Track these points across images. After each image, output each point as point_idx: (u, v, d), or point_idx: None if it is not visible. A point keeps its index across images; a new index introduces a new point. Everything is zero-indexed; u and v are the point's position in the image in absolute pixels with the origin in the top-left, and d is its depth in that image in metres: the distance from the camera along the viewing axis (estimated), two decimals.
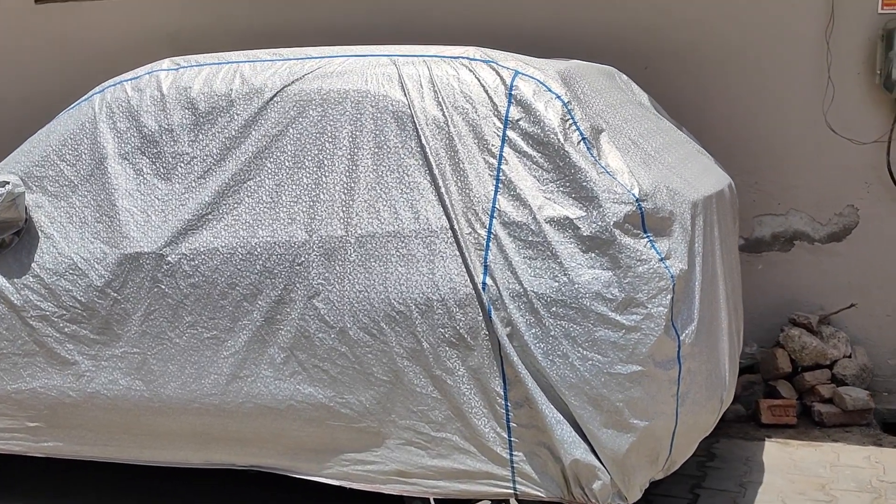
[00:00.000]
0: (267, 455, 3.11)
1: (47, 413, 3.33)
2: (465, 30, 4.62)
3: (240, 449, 3.14)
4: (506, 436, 2.76)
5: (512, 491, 2.79)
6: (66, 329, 3.23)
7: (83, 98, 3.43)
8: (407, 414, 2.87)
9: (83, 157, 3.31)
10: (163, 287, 3.10)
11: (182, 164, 3.17)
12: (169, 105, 3.22)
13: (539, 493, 2.76)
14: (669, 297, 2.65)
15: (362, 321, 2.86)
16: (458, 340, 2.77)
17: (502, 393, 2.74)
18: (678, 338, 2.70)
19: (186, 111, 3.20)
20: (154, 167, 3.21)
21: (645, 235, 2.69)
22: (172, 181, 3.17)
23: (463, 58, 2.98)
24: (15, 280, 3.30)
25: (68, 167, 3.33)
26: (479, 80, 2.90)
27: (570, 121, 2.79)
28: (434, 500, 2.96)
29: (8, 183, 3.24)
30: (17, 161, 3.43)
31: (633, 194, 2.68)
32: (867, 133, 4.34)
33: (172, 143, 3.19)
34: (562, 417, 2.68)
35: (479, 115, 2.86)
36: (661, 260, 2.67)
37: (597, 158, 2.75)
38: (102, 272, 3.17)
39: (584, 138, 2.77)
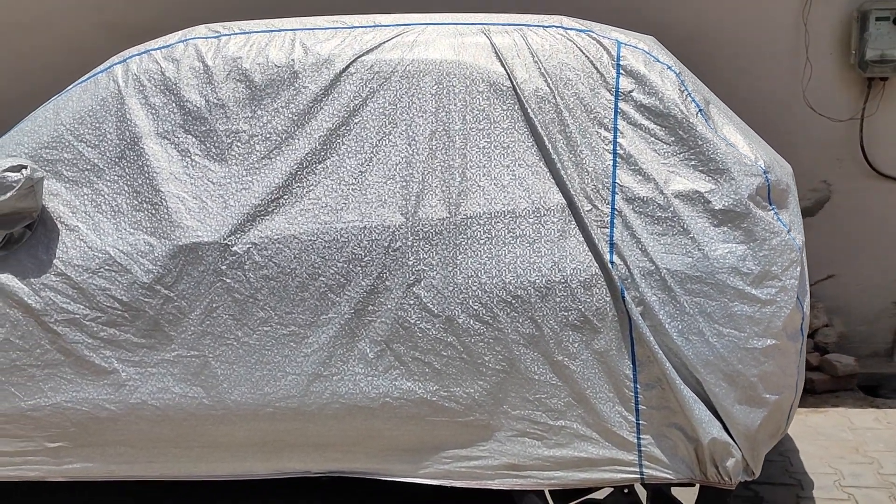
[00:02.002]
0: (353, 459, 2.85)
1: (75, 431, 2.89)
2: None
3: (319, 455, 2.86)
4: (633, 419, 2.67)
5: (638, 475, 2.70)
6: (101, 333, 2.82)
7: (97, 70, 3.00)
8: (521, 404, 2.71)
9: (109, 136, 2.89)
10: (227, 281, 2.76)
11: (239, 144, 2.83)
12: (216, 77, 2.87)
13: (668, 476, 2.69)
14: (798, 269, 2.64)
15: (472, 308, 2.67)
16: (583, 323, 2.64)
17: (631, 375, 2.64)
18: (802, 309, 2.70)
19: (239, 84, 2.85)
20: (203, 147, 2.84)
21: (771, 208, 2.66)
22: (229, 162, 2.83)
23: (558, 27, 2.84)
24: (32, 280, 2.84)
25: (90, 149, 2.89)
26: (581, 51, 2.77)
27: (686, 92, 2.72)
28: (548, 492, 2.82)
29: (25, 167, 2.77)
30: (19, 142, 2.95)
31: (761, 166, 2.66)
32: (842, 111, 4.56)
33: (225, 120, 2.85)
34: (696, 396, 2.62)
35: (586, 87, 2.73)
36: (788, 232, 2.65)
37: (715, 130, 2.70)
38: (150, 267, 2.78)
39: (700, 110, 2.71)
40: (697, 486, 2.74)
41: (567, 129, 2.69)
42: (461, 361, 2.70)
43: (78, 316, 2.82)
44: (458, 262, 2.68)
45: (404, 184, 2.73)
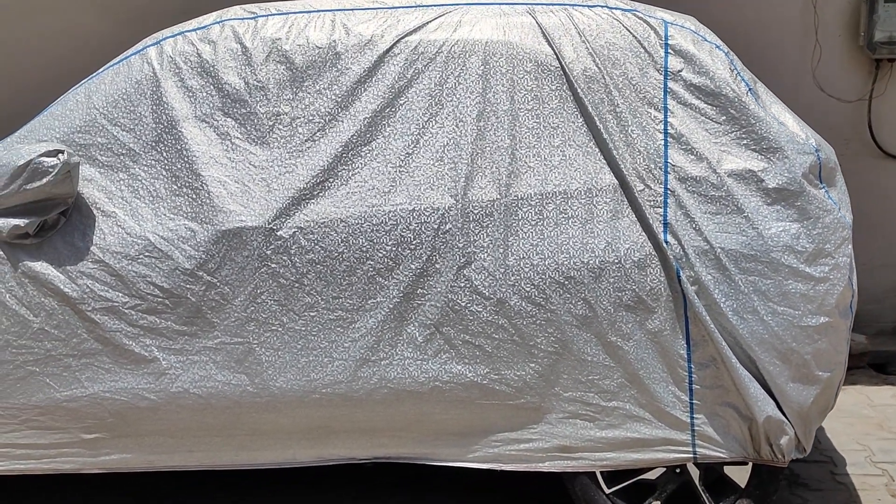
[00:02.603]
0: (400, 444, 2.82)
1: (113, 421, 2.83)
2: None
3: (366, 440, 2.82)
4: (687, 399, 2.67)
5: (691, 455, 2.70)
6: (141, 321, 2.75)
7: (129, 52, 2.92)
8: (573, 385, 2.70)
9: (144, 120, 2.81)
10: (273, 266, 2.71)
11: (281, 126, 2.77)
12: (255, 59, 2.80)
13: (721, 455, 2.69)
14: (849, 246, 2.66)
15: (524, 290, 2.65)
16: (637, 303, 2.63)
17: (685, 355, 2.64)
18: (852, 286, 2.71)
19: (280, 66, 2.79)
20: (244, 130, 2.78)
21: (822, 186, 2.67)
22: (271, 145, 2.77)
23: (603, 6, 2.81)
24: (68, 268, 2.76)
25: (125, 133, 2.82)
26: (628, 30, 2.75)
27: (735, 71, 2.71)
28: (600, 473, 2.81)
29: (61, 152, 2.69)
30: (49, 127, 2.86)
31: (812, 144, 2.66)
32: (850, 92, 4.60)
33: (266, 103, 2.78)
34: (750, 375, 2.62)
35: (635, 67, 2.71)
36: (839, 209, 2.67)
37: (766, 109, 2.70)
38: (192, 252, 2.72)
39: (749, 89, 2.71)
40: (750, 464, 2.75)
41: (617, 109, 2.68)
42: (512, 344, 2.68)
43: (117, 304, 2.75)
44: (510, 243, 2.66)
45: (453, 165, 2.69)
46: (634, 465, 2.74)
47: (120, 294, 2.74)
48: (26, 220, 2.72)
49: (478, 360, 2.70)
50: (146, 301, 2.74)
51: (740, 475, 2.82)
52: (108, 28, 4.59)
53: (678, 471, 2.83)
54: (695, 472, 2.82)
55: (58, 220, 2.78)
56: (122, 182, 2.80)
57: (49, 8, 4.70)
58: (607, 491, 2.81)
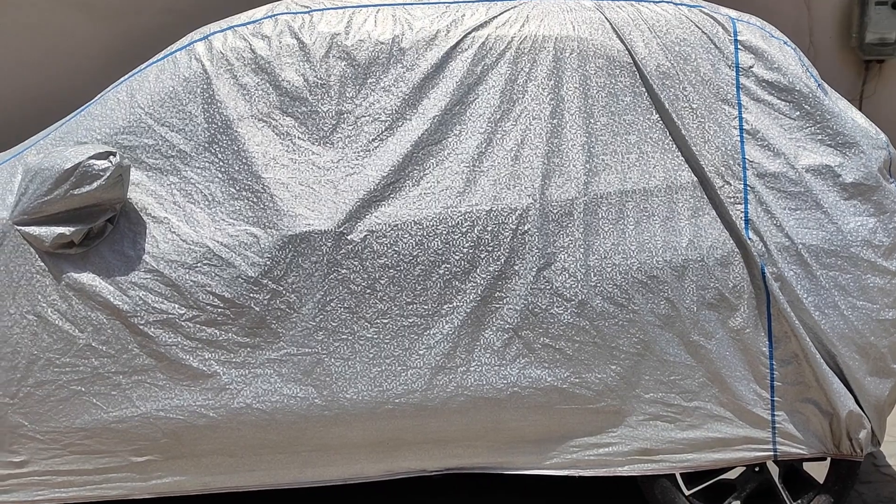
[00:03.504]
0: (475, 454, 2.72)
1: (167, 442, 2.65)
2: None
3: (438, 451, 2.71)
4: (768, 396, 2.65)
5: (772, 453, 2.68)
6: (200, 334, 2.58)
7: (173, 48, 2.75)
8: (655, 386, 2.65)
9: (196, 120, 2.65)
10: (343, 271, 2.58)
11: (345, 125, 2.65)
12: (314, 55, 2.67)
13: (801, 451, 2.69)
14: None
15: (606, 290, 2.59)
16: (719, 301, 2.61)
17: (767, 352, 2.62)
18: None
19: (340, 62, 2.67)
20: (305, 129, 2.65)
21: (892, 180, 2.70)
22: (335, 145, 2.64)
23: (669, 2, 2.78)
24: (118, 279, 2.57)
25: (175, 133, 2.64)
26: (696, 26, 2.72)
27: (805, 66, 2.72)
28: (679, 475, 2.77)
29: (113, 154, 2.51)
30: (89, 128, 2.66)
31: (884, 139, 2.69)
32: (842, 92, 4.65)
33: (327, 101, 2.65)
34: (831, 370, 2.63)
35: (706, 63, 2.69)
36: None
37: (836, 104, 2.72)
38: (255, 259, 2.57)
39: (818, 84, 2.72)
40: (828, 460, 2.75)
41: (693, 105, 2.65)
42: (594, 346, 2.62)
43: (173, 316, 2.57)
44: (590, 243, 2.60)
45: (529, 164, 2.62)
46: (715, 466, 2.71)
47: (176, 305, 2.57)
48: (72, 228, 2.52)
49: (558, 363, 2.62)
50: (205, 312, 2.58)
51: (817, 471, 2.82)
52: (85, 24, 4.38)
53: (757, 469, 2.82)
54: (774, 470, 2.81)
55: (104, 227, 2.59)
56: (172, 186, 2.63)
57: (21, 3, 4.45)
58: (687, 493, 2.77)
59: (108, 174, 2.47)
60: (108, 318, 2.57)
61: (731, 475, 2.81)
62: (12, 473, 2.66)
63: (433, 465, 2.74)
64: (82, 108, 2.73)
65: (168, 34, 4.59)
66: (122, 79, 2.75)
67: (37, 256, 2.57)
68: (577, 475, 2.72)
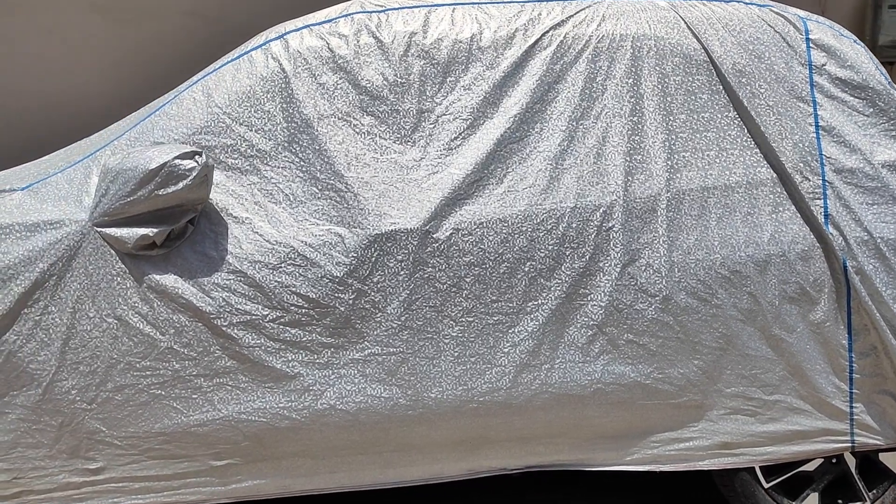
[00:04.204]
0: (556, 451, 2.72)
1: (248, 445, 2.61)
2: None
3: (520, 449, 2.71)
4: (846, 388, 2.69)
5: (849, 444, 2.72)
6: (284, 335, 2.55)
7: (248, 47, 2.72)
8: (736, 381, 2.68)
9: (275, 119, 2.62)
10: (429, 269, 2.57)
11: (427, 124, 2.64)
12: (393, 54, 2.66)
13: (878, 442, 2.73)
14: None
15: (690, 285, 2.61)
16: (801, 295, 2.64)
17: (847, 344, 2.67)
18: None
19: (420, 60, 2.66)
20: (387, 128, 2.63)
21: None
22: (417, 144, 2.63)
23: (738, 1, 2.82)
24: (201, 280, 2.53)
25: (254, 133, 2.62)
26: (768, 25, 2.76)
27: (875, 64, 2.77)
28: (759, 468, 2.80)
29: (199, 153, 2.47)
30: (165, 128, 2.62)
31: None
32: None
33: (408, 99, 2.64)
34: None
35: (780, 61, 2.73)
36: None
37: None
38: (341, 259, 2.54)
39: (888, 81, 2.77)
40: None
41: (769, 103, 2.68)
42: (677, 341, 2.64)
43: (256, 317, 2.54)
44: (673, 238, 2.62)
45: (611, 161, 2.63)
46: (794, 458, 2.74)
47: (260, 306, 2.54)
48: (155, 230, 2.48)
49: (641, 359, 2.64)
50: (289, 313, 2.55)
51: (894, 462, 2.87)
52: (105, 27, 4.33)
53: (834, 461, 2.86)
54: (850, 462, 2.85)
55: (185, 228, 2.55)
56: (253, 185, 2.60)
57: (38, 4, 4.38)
58: (766, 486, 2.80)
59: (194, 174, 2.44)
60: (190, 320, 2.53)
61: (809, 467, 2.85)
62: (88, 481, 2.60)
63: (514, 464, 2.74)
64: (156, 107, 2.69)
65: (189, 38, 4.58)
66: (194, 78, 2.72)
67: (117, 258, 2.52)
68: (657, 470, 2.74)
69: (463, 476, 2.74)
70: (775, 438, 2.72)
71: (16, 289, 2.48)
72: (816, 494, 2.83)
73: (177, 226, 2.51)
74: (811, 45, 2.75)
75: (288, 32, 2.71)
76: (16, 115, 4.45)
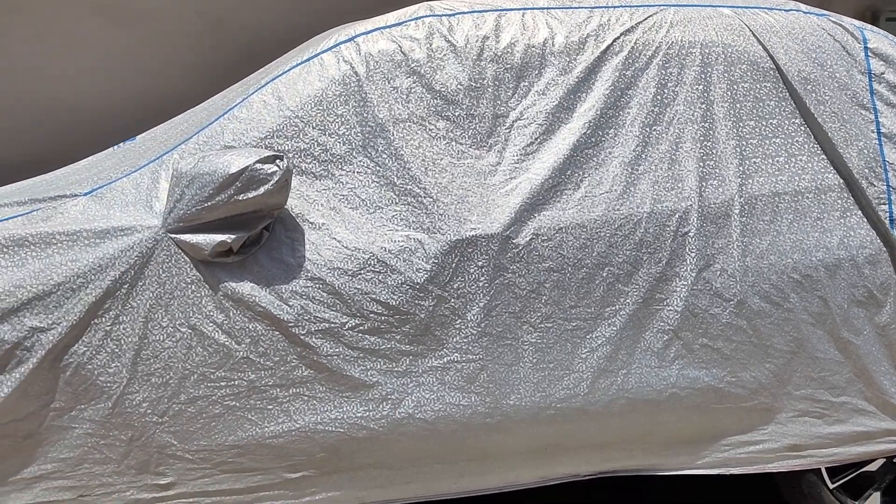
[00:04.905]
0: (630, 456, 2.72)
1: (324, 456, 2.55)
2: None
3: (594, 455, 2.70)
4: None
5: None
6: (362, 343, 2.50)
7: (319, 50, 2.66)
8: (805, 383, 2.72)
9: (349, 122, 2.57)
10: (509, 275, 2.55)
11: (502, 128, 2.62)
12: (467, 58, 2.63)
13: None
14: None
15: (763, 290, 2.64)
16: (868, 298, 2.69)
17: None
18: None
19: (493, 65, 2.64)
20: (462, 133, 2.60)
21: None
22: (493, 148, 2.61)
23: (797, 10, 2.87)
24: (278, 287, 2.46)
25: (328, 137, 2.56)
26: (828, 33, 2.82)
27: None
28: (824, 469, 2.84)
29: (281, 158, 2.41)
30: (236, 132, 2.55)
31: None
32: None
33: (483, 104, 2.62)
34: None
35: (842, 69, 2.78)
36: None
37: None
38: (421, 265, 2.51)
39: None
40: None
41: (834, 110, 2.74)
42: (750, 345, 2.66)
43: (335, 325, 2.48)
44: (746, 243, 2.64)
45: (684, 167, 2.65)
46: (859, 459, 2.80)
47: (339, 314, 2.48)
48: (232, 236, 2.41)
49: (715, 363, 2.66)
50: (368, 320, 2.50)
51: None
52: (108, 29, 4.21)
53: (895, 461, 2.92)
54: None
55: (261, 234, 2.48)
56: (328, 191, 2.55)
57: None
58: (831, 486, 2.84)
59: (275, 178, 2.37)
60: (266, 329, 2.46)
61: (871, 467, 2.90)
62: (157, 497, 2.51)
63: (587, 470, 2.73)
64: (224, 111, 2.61)
65: (197, 39, 4.47)
66: (263, 81, 2.65)
67: (191, 266, 2.44)
68: (727, 474, 2.76)
69: (537, 484, 2.72)
70: (841, 440, 2.76)
71: (86, 298, 2.38)
72: (878, 494, 2.88)
73: (253, 232, 2.44)
74: (869, 53, 2.82)
75: (358, 35, 2.66)
76: (17, 117, 4.29)
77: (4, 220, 2.48)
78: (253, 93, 2.62)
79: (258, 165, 2.36)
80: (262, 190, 2.37)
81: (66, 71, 4.31)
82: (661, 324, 2.62)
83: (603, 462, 2.72)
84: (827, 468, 2.86)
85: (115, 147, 3.11)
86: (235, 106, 2.61)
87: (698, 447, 2.74)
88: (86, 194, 2.53)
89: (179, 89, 4.35)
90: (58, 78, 4.31)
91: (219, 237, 2.40)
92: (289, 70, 2.64)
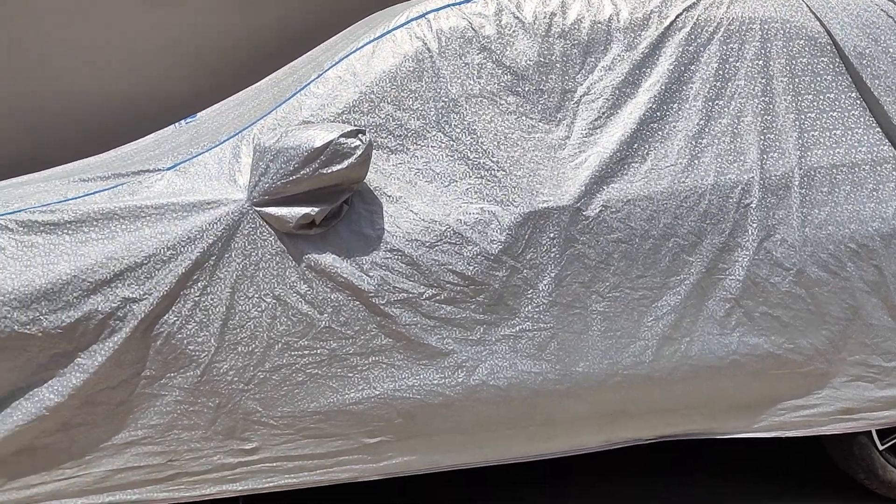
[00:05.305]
0: (690, 421, 2.82)
1: (401, 422, 2.64)
2: None
3: (657, 420, 2.80)
4: None
5: None
6: (438, 312, 2.59)
7: (390, 28, 2.72)
8: (859, 349, 2.82)
9: (423, 98, 2.64)
10: (579, 246, 2.63)
11: (571, 103, 2.70)
12: (536, 34, 2.70)
13: None
14: None
15: (821, 259, 2.74)
16: None
17: None
18: None
19: (562, 41, 2.71)
20: (533, 108, 2.68)
21: None
22: (562, 123, 2.69)
23: None
24: (359, 258, 2.54)
25: (403, 112, 2.63)
26: (881, 10, 2.90)
27: None
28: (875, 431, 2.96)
29: (363, 132, 2.48)
30: (312, 107, 2.62)
31: None
32: None
33: (552, 79, 2.70)
34: None
35: (894, 44, 2.87)
36: None
37: None
38: (496, 236, 2.59)
39: None
40: None
41: (889, 84, 2.82)
42: (808, 313, 2.76)
43: (413, 295, 2.57)
44: (805, 214, 2.74)
45: (745, 140, 2.73)
46: None
47: (416, 284, 2.56)
48: (316, 209, 2.48)
49: (774, 330, 2.76)
50: (445, 290, 2.58)
51: None
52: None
53: None
54: None
55: (341, 207, 2.55)
56: (403, 164, 2.62)
57: None
58: (881, 447, 2.96)
59: (359, 152, 2.44)
60: (348, 299, 2.54)
61: None
62: (242, 461, 2.59)
63: (649, 434, 2.83)
64: (301, 86, 2.68)
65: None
66: (337, 57, 2.71)
67: (275, 238, 2.51)
68: (783, 436, 2.87)
69: (600, 448, 2.82)
70: (891, 403, 2.87)
71: (175, 269, 2.46)
72: None
73: (334, 205, 2.52)
74: None
75: (429, 11, 2.72)
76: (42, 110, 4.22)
77: (91, 193, 2.54)
78: (328, 68, 2.68)
79: (342, 140, 2.43)
80: (345, 164, 2.44)
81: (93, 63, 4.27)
82: (724, 293, 2.72)
83: (664, 427, 2.82)
84: (877, 430, 2.96)
85: (177, 124, 3.17)
86: (311, 82, 2.67)
87: (755, 412, 2.84)
88: (168, 169, 2.59)
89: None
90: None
91: (303, 210, 2.47)
92: (362, 46, 2.70)
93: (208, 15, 4.21)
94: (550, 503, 3.30)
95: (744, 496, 3.27)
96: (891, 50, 2.85)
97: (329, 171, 2.44)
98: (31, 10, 4.10)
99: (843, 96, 2.81)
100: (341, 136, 2.43)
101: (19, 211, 2.49)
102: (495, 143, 2.64)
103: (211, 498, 2.61)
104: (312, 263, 2.52)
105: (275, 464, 2.61)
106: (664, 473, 3.48)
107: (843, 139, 2.79)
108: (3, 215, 2.48)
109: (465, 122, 2.64)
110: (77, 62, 4.14)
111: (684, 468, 3.50)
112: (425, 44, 2.67)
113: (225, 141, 2.63)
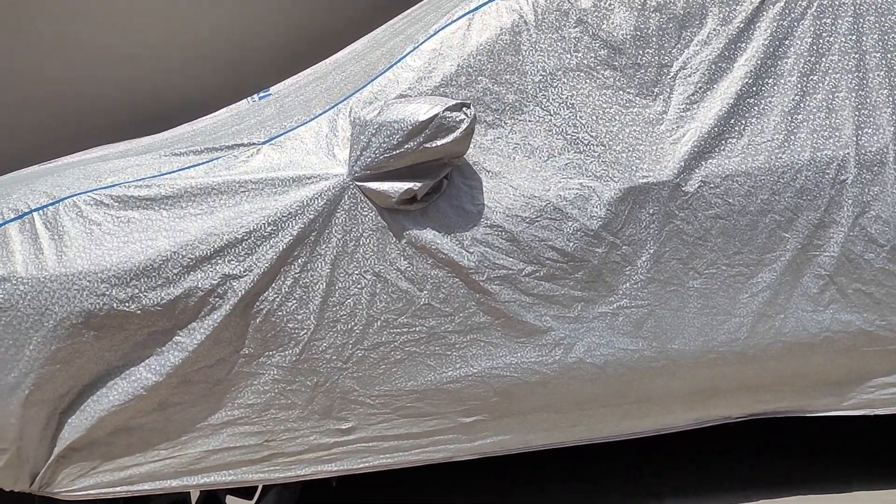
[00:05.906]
0: (780, 398, 2.81)
1: (497, 401, 2.60)
2: None
3: (747, 397, 2.78)
4: None
5: None
6: (537, 289, 2.55)
7: (484, 0, 2.66)
8: None
9: (520, 71, 2.60)
10: (677, 223, 2.60)
11: (667, 78, 2.66)
12: (633, 8, 2.66)
13: None
14: None
15: None
16: None
17: None
18: None
19: (658, 14, 2.67)
20: (630, 82, 2.64)
21: None
22: (659, 97, 2.65)
23: None
24: (459, 234, 2.50)
25: (499, 86, 2.59)
26: None
27: None
28: None
29: (468, 106, 2.42)
30: (407, 80, 2.57)
31: None
32: None
33: (649, 53, 2.66)
34: None
35: None
36: None
37: None
38: (595, 212, 2.55)
39: None
40: None
41: None
42: None
43: (512, 271, 2.53)
44: None
45: (840, 115, 2.71)
46: None
47: (516, 261, 2.53)
48: (419, 184, 2.44)
49: (867, 307, 2.74)
50: (544, 267, 2.54)
51: None
52: None
53: None
54: None
55: (441, 183, 2.51)
56: (501, 139, 2.58)
57: None
58: None
59: (463, 126, 2.40)
60: (447, 276, 2.50)
61: None
62: (338, 441, 2.55)
63: (739, 412, 2.81)
64: (397, 59, 2.62)
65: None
66: (431, 30, 2.65)
67: (376, 213, 2.46)
68: (871, 414, 2.86)
69: (690, 426, 2.80)
70: None
71: (276, 245, 2.40)
72: None
73: (435, 180, 2.47)
74: None
75: None
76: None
77: (185, 168, 2.48)
78: (423, 41, 2.63)
79: (447, 113, 2.38)
80: (450, 138, 2.39)
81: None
82: (818, 269, 2.70)
83: (754, 404, 2.80)
84: None
85: (250, 99, 3.11)
86: (407, 55, 2.62)
87: (845, 389, 2.83)
88: (264, 143, 2.53)
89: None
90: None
91: (406, 185, 2.43)
92: (458, 19, 2.65)
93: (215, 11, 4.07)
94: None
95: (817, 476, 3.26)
96: None
97: (433, 145, 2.39)
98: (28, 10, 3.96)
99: None
100: (446, 109, 2.38)
101: (114, 186, 2.42)
102: (593, 117, 2.60)
103: (305, 479, 2.57)
104: (413, 239, 2.47)
105: (370, 444, 2.57)
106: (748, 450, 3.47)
107: None
108: (96, 190, 2.42)
109: (563, 97, 2.60)
110: (89, 60, 4.00)
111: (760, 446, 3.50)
112: (522, 16, 2.62)
113: (320, 115, 2.57)
